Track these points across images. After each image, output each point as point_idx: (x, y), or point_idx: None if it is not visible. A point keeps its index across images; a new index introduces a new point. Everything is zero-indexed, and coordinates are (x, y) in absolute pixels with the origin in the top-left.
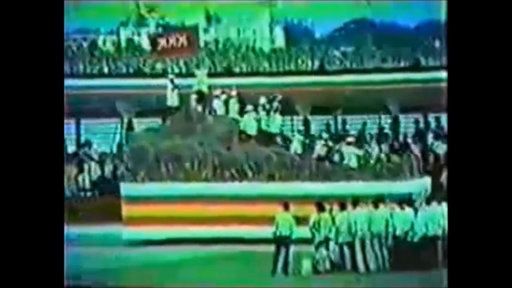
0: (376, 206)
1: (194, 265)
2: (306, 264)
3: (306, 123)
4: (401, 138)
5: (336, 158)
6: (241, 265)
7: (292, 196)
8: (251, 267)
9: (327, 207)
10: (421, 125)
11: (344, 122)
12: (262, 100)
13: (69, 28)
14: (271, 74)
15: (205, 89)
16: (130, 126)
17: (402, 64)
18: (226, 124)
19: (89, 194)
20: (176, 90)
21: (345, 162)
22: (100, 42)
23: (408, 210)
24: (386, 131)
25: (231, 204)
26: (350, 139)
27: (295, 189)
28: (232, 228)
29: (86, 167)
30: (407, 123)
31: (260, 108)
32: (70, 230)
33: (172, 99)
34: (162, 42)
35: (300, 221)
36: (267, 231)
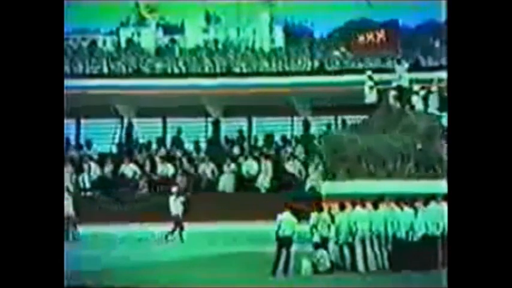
0: (375, 206)
1: (194, 265)
2: (306, 264)
3: None
4: None
5: None
6: (241, 265)
7: None
8: (251, 267)
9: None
10: None
11: None
12: None
13: (69, 28)
14: (270, 74)
15: (405, 85)
16: (130, 126)
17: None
18: (429, 120)
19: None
20: (375, 87)
21: None
22: (100, 43)
23: (408, 210)
24: None
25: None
26: None
27: None
28: None
29: (85, 167)
30: None
31: None
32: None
33: (371, 96)
34: (361, 38)
35: (301, 220)
36: None
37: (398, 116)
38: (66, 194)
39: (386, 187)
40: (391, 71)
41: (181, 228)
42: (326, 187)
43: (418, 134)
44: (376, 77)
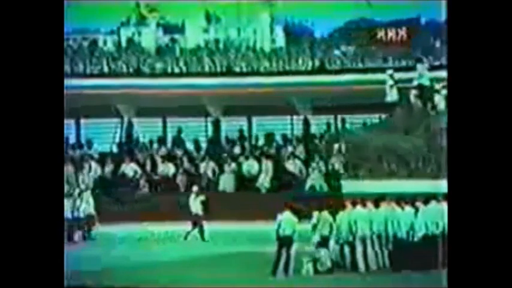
0: (376, 205)
1: (194, 265)
2: (306, 264)
3: None
4: None
5: None
6: (241, 265)
7: None
8: (251, 267)
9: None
10: None
11: None
12: None
13: (69, 28)
14: (271, 74)
15: (426, 83)
16: (130, 126)
17: (402, 64)
18: None
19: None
20: (395, 86)
21: None
22: (100, 42)
23: (408, 209)
24: None
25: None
26: None
27: None
28: None
29: (86, 166)
30: None
31: None
32: None
33: (392, 95)
34: (381, 34)
35: (301, 220)
36: None
37: (420, 115)
38: (88, 194)
39: (401, 186)
40: (396, 70)
41: (197, 226)
42: (345, 186)
43: (441, 133)
44: (378, 76)
